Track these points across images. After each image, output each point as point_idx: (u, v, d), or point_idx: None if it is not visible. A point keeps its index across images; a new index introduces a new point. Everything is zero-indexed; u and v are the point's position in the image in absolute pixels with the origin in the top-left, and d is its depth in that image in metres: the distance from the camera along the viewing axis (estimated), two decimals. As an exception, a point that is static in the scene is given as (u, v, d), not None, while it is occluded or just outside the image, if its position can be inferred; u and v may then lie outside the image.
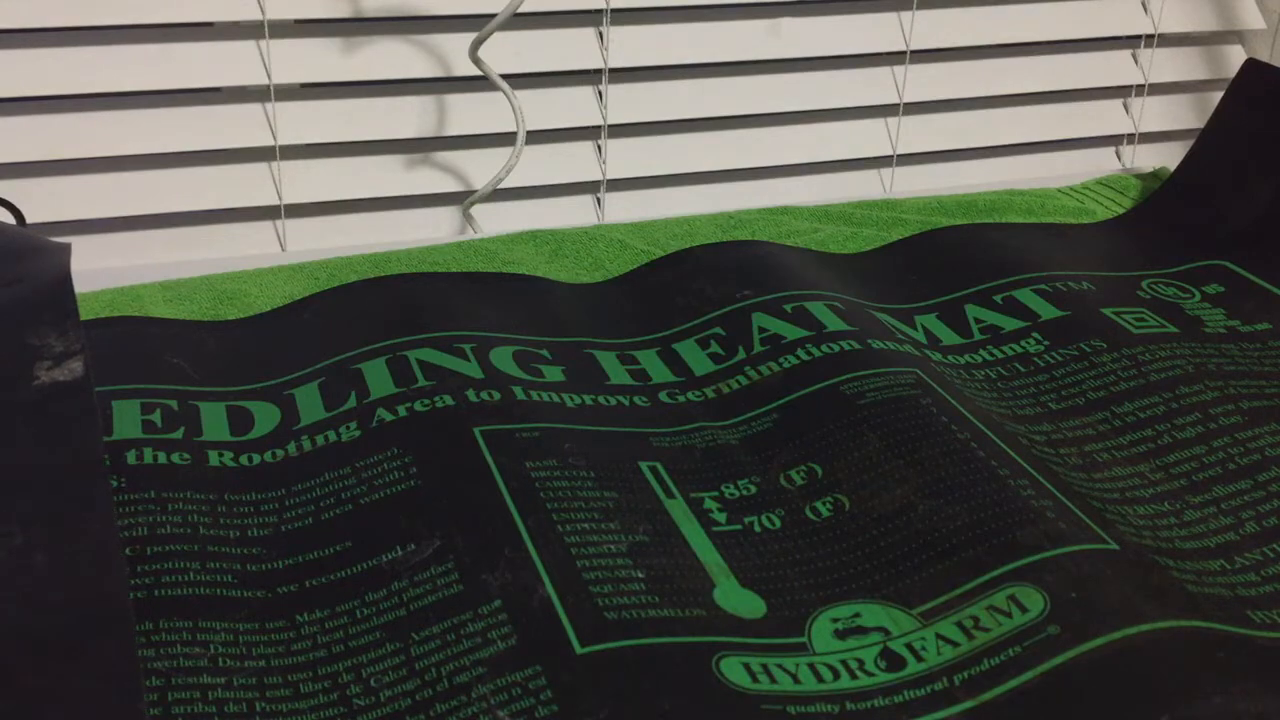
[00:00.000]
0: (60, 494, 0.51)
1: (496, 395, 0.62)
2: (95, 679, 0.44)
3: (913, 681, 0.47)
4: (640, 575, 0.52)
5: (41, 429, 0.54)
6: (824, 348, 0.67)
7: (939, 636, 0.49)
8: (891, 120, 1.01)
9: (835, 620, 0.50)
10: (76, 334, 0.58)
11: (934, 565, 0.52)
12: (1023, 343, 0.69)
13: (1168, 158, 0.97)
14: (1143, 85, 1.06)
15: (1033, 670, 0.47)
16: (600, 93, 0.91)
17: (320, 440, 0.60)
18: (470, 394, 0.61)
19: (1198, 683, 0.46)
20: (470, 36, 0.83)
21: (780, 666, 0.48)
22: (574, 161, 0.93)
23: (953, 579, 0.52)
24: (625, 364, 0.67)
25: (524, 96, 0.86)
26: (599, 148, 0.94)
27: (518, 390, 0.63)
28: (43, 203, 0.79)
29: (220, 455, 0.58)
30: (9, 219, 0.76)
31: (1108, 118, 1.07)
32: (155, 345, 0.66)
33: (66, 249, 0.69)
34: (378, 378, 0.63)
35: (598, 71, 0.90)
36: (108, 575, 0.48)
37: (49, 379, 0.56)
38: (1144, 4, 1.04)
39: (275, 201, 0.86)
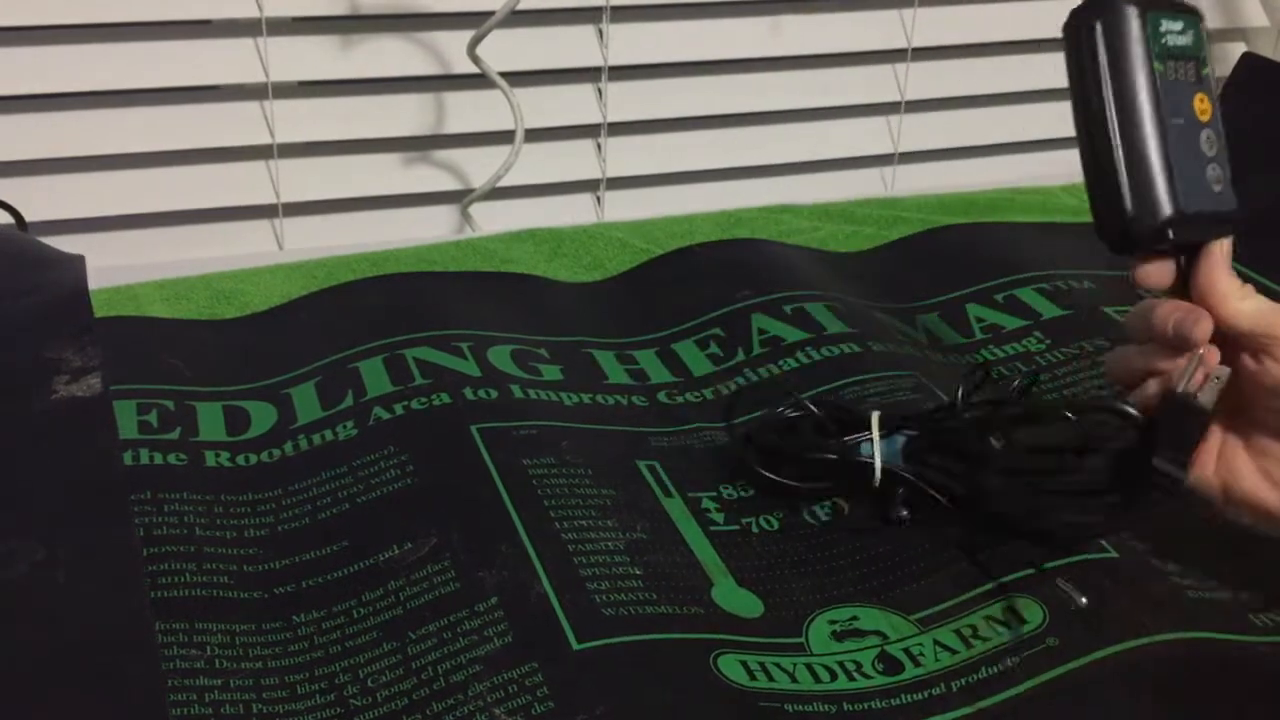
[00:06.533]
0: (82, 510, 0.51)
1: (494, 393, 0.61)
2: (118, 694, 0.44)
3: (910, 686, 0.47)
4: (638, 572, 0.52)
5: (61, 445, 0.54)
6: (824, 350, 0.66)
7: (937, 643, 0.49)
8: (893, 118, 1.01)
9: (833, 622, 0.50)
10: (94, 350, 0.58)
11: (933, 573, 0.52)
12: (1024, 341, 0.68)
13: (1170, 156, 0.96)
14: (1144, 83, 1.06)
15: (1031, 680, 0.47)
16: (600, 90, 0.91)
17: (317, 439, 0.59)
18: (467, 392, 0.61)
19: (1197, 695, 0.45)
20: (469, 34, 0.82)
21: (778, 665, 0.48)
22: (573, 160, 0.93)
23: (953, 587, 0.51)
24: (624, 364, 0.67)
25: (523, 94, 0.86)
26: (599, 146, 0.93)
27: (515, 389, 0.62)
28: (39, 201, 0.78)
29: (217, 455, 0.58)
30: (6, 219, 0.76)
31: (1109, 115, 1.07)
32: (152, 345, 0.66)
33: (80, 261, 0.68)
34: (375, 376, 0.63)
35: (597, 69, 0.90)
36: (130, 591, 0.48)
37: (67, 394, 0.55)
38: (1146, 1, 1.04)
39: (273, 200, 0.86)
